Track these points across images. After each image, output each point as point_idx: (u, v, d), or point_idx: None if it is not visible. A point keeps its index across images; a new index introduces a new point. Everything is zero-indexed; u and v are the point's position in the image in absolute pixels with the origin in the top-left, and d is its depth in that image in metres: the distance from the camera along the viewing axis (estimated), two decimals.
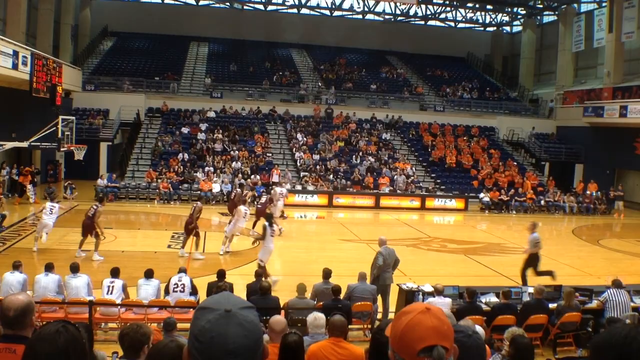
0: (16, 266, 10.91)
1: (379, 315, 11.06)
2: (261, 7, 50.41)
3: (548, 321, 10.33)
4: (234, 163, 31.22)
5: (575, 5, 43.01)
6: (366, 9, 51.52)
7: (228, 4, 50.11)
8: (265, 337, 5.80)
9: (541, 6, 47.00)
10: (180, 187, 28.57)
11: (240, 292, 10.81)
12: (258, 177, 29.92)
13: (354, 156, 33.98)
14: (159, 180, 28.60)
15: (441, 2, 50.79)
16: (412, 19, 53.07)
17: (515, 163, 35.66)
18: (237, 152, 32.53)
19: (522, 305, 10.57)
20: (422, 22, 53.21)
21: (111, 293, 10.78)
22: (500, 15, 53.00)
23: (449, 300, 10.33)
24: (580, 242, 23.41)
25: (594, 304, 11.07)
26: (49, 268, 10.92)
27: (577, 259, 19.38)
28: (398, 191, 30.78)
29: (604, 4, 38.40)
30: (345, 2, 50.72)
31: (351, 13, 51.71)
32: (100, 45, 45.72)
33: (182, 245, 17.10)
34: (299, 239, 21.38)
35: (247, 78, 41.98)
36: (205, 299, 1.88)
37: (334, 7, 50.90)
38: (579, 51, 41.57)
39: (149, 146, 33.05)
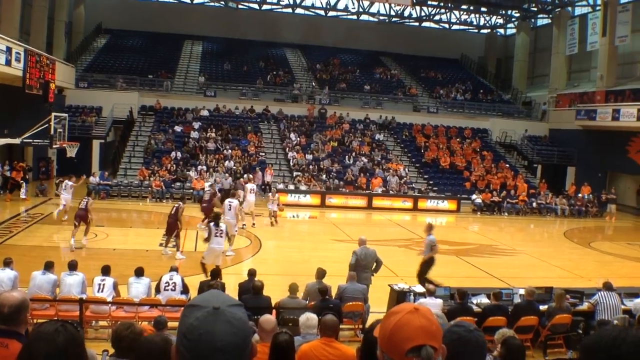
0: (7, 263, 10.84)
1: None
2: (256, 6, 50.35)
3: (539, 323, 10.35)
4: (226, 162, 31.17)
5: (570, 8, 43.15)
6: (361, 9, 51.55)
7: (223, 2, 50.11)
8: (256, 336, 5.80)
9: (535, 9, 47.16)
10: (172, 185, 28.50)
11: (233, 291, 10.80)
12: (251, 176, 29.84)
13: (347, 156, 33.99)
14: (152, 179, 28.53)
15: (436, 3, 50.84)
16: (407, 20, 53.15)
17: (507, 165, 35.75)
18: (230, 151, 32.49)
19: (513, 307, 10.58)
20: (417, 24, 53.30)
21: (102, 291, 10.73)
22: (494, 17, 53.15)
23: (440, 301, 10.33)
24: (571, 245, 23.48)
25: (585, 306, 11.09)
26: (48, 267, 10.84)
27: (568, 261, 19.43)
28: (391, 192, 30.81)
29: (598, 8, 38.56)
30: (340, 2, 50.78)
31: (346, 14, 51.75)
32: (94, 42, 45.58)
33: (165, 244, 16.99)
34: (292, 239, 21.41)
35: (241, 77, 41.93)
36: (195, 297, 1.88)
37: (328, 7, 50.91)
38: (572, 54, 41.70)
39: (142, 144, 32.97)
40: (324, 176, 31.34)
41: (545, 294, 11.44)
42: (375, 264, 12.33)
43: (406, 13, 52.21)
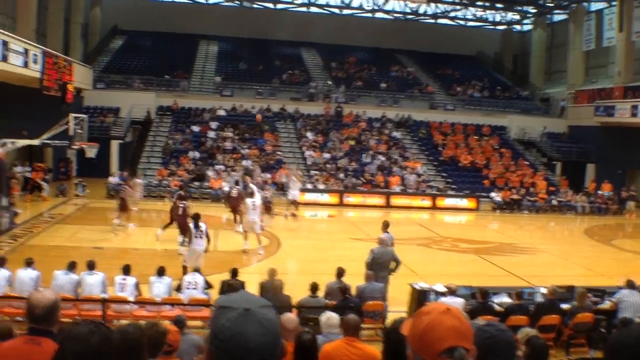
0: (28, 263, 10.98)
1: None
2: (271, 5, 50.34)
3: (561, 322, 10.29)
4: (244, 161, 31.27)
5: (586, 3, 42.73)
6: (376, 7, 51.41)
7: (237, 2, 50.16)
8: None
9: (551, 5, 46.73)
10: (190, 184, 28.61)
11: (253, 290, 10.83)
12: (268, 175, 29.94)
13: (364, 155, 33.94)
14: (170, 179, 28.70)
15: (451, 0, 50.59)
16: (422, 18, 52.92)
17: (526, 162, 35.53)
18: (247, 150, 32.59)
19: (535, 306, 10.53)
20: (432, 21, 53.05)
21: (124, 290, 10.82)
22: (510, 13, 52.75)
23: (462, 300, 10.30)
24: (592, 242, 23.32)
25: (607, 304, 11.00)
26: (71, 267, 10.96)
27: (588, 259, 19.32)
28: (409, 190, 30.73)
29: (613, 3, 38.13)
30: (355, 0, 50.64)
31: (361, 11, 51.60)
32: (110, 43, 45.86)
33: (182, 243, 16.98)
34: (310, 238, 21.45)
35: (257, 76, 41.99)
36: (224, 297, 1.91)
37: (343, 4, 50.83)
38: (590, 50, 41.35)
39: (160, 144, 33.17)
40: (342, 175, 31.33)
41: (566, 292, 11.36)
42: (394, 263, 12.32)
43: (421, 10, 51.96)
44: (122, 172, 29.13)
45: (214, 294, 10.81)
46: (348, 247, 19.17)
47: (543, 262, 18.56)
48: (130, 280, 10.97)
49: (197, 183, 28.88)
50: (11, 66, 22.20)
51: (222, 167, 30.28)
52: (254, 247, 17.60)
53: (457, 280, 11.60)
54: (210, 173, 29.48)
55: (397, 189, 30.58)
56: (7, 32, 23.03)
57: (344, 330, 6.14)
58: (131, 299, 10.67)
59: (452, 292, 10.45)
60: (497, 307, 10.61)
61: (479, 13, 53.09)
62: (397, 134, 37.25)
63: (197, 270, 11.52)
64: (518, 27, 54.51)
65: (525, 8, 49.80)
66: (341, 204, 28.86)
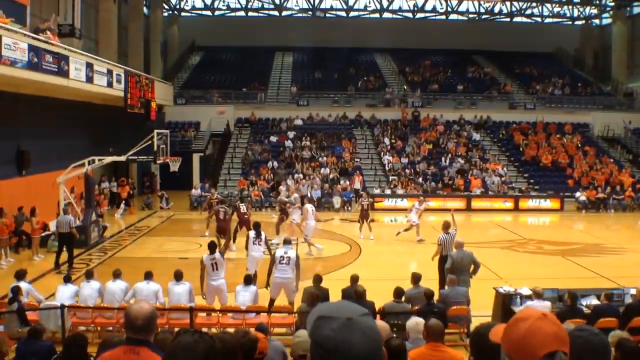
0: (117, 275, 11.43)
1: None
2: (343, 14, 50.66)
3: None
4: (322, 169, 31.50)
5: None
6: (449, 9, 50.89)
7: (310, 13, 50.63)
8: None
9: None
10: (271, 194, 29.00)
11: (336, 297, 10.87)
12: (347, 182, 30.08)
13: (442, 158, 33.57)
14: (251, 189, 29.20)
15: None
16: (497, 17, 52.00)
17: (611, 160, 34.27)
18: (325, 158, 32.81)
19: (625, 308, 10.15)
20: (508, 19, 52.08)
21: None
22: (588, 7, 51.14)
23: (548, 303, 10.06)
24: None
25: None
26: (148, 276, 11.34)
27: None
28: (490, 193, 30.18)
29: None
30: (428, 3, 50.27)
31: (434, 14, 51.20)
32: (188, 60, 47.23)
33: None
34: (390, 244, 21.33)
35: (332, 85, 42.20)
36: (322, 306, 1.94)
37: (416, 9, 50.54)
38: None
39: (239, 156, 33.85)
40: (420, 179, 31.08)
41: None
42: (473, 266, 12.16)
43: (496, 9, 51.07)
44: (203, 183, 29.87)
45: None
46: (429, 252, 18.93)
47: (631, 263, 17.83)
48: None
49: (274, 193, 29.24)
50: (96, 87, 23.20)
51: (300, 175, 30.57)
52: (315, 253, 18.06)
53: (543, 283, 11.34)
54: (289, 182, 29.81)
55: (478, 191, 30.08)
56: (91, 55, 24.07)
57: (427, 335, 6.10)
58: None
59: (538, 295, 10.21)
60: (585, 310, 10.29)
61: (556, 9, 51.73)
62: (476, 136, 36.67)
63: (288, 242, 12.26)
64: (597, 21, 52.71)
65: (603, 1, 48.23)
66: None
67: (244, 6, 50.15)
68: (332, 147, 34.44)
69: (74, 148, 22.63)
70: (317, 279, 11.25)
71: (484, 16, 51.84)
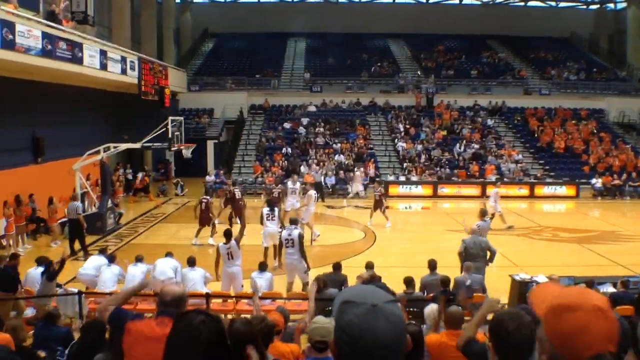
0: (139, 259, 11.58)
1: None
2: None
3: None
4: (336, 156, 31.43)
5: None
6: None
7: None
8: None
9: None
10: (285, 181, 28.94)
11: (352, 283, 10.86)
12: (362, 169, 29.96)
13: (457, 144, 33.36)
14: (265, 175, 29.20)
15: None
16: (512, 1, 51.49)
17: (627, 145, 33.91)
18: (339, 144, 32.73)
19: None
20: (522, 4, 51.58)
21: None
22: None
23: None
24: None
25: None
26: (169, 254, 11.96)
27: None
28: (505, 179, 29.95)
29: None
30: None
31: None
32: (201, 46, 47.23)
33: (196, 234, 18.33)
34: (404, 231, 21.29)
35: (346, 71, 41.99)
36: (347, 291, 1.92)
37: None
38: None
39: (253, 142, 33.86)
40: (435, 166, 30.94)
41: None
42: (489, 253, 12.08)
43: None
44: (218, 170, 29.89)
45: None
46: (444, 239, 18.89)
47: None
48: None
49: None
50: (110, 74, 23.22)
51: (314, 162, 30.50)
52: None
53: (559, 271, 11.28)
54: (302, 169, 29.73)
55: (493, 178, 29.87)
56: (105, 42, 24.07)
57: (446, 322, 6.05)
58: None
59: (554, 283, 10.13)
60: None
61: None
62: (490, 122, 36.41)
63: (294, 223, 12.78)
64: (612, 5, 51.98)
65: None
66: (435, 196, 28.48)
67: None
68: (346, 133, 34.33)
69: (88, 135, 22.71)
70: (337, 266, 11.24)
71: (498, 0, 51.33)
